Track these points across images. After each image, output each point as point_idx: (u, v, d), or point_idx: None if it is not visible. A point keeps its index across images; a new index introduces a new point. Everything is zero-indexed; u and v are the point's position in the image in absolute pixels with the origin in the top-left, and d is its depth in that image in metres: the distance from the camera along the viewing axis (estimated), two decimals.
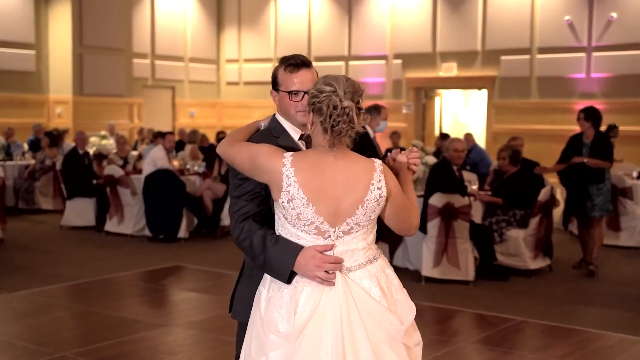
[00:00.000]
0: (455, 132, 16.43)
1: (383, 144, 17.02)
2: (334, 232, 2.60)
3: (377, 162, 2.66)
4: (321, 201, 2.58)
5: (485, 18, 16.49)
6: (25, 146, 14.04)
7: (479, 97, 18.49)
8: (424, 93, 18.18)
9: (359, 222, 2.62)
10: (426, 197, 7.66)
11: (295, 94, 2.84)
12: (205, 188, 10.10)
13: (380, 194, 2.62)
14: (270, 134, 2.90)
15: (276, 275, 2.63)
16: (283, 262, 2.60)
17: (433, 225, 7.51)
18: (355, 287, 2.58)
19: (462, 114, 19.71)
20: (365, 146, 7.02)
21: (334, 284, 2.55)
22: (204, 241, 9.75)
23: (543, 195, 7.99)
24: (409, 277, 7.74)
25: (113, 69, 17.30)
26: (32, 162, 12.35)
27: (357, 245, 2.63)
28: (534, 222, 7.96)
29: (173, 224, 9.51)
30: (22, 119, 15.95)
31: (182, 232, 9.63)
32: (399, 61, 17.67)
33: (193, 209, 9.77)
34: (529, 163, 8.42)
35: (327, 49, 18.63)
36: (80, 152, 10.82)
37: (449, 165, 7.64)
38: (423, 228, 7.62)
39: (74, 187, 10.51)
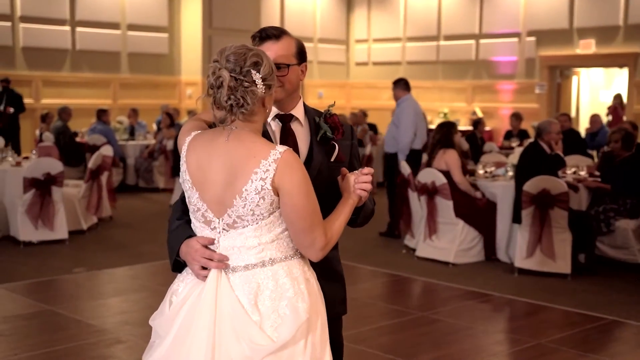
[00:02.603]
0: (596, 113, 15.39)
1: (504, 125, 16.27)
2: (219, 223, 2.35)
3: (276, 150, 2.28)
4: (204, 186, 2.35)
5: None
6: (154, 126, 14.56)
7: (624, 76, 17.23)
8: (559, 72, 17.17)
9: (241, 215, 2.31)
10: (518, 183, 7.17)
11: None
12: None
13: (262, 186, 2.27)
14: None
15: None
16: (172, 250, 2.48)
17: (527, 213, 7.01)
18: (227, 290, 2.31)
19: (604, 94, 18.46)
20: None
21: (203, 279, 2.34)
22: None
23: None
24: (501, 268, 7.29)
25: None
26: (154, 142, 12.78)
27: (244, 243, 2.33)
28: None
29: None
30: (154, 100, 16.56)
31: None
32: (532, 38, 16.77)
33: None
34: None
35: (457, 27, 18.01)
36: None
37: (540, 148, 7.11)
38: (517, 217, 7.15)
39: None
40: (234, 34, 17.27)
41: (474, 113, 17.23)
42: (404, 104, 8.78)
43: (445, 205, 7.52)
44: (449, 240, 7.57)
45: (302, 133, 2.65)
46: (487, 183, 7.82)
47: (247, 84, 2.28)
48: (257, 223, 2.31)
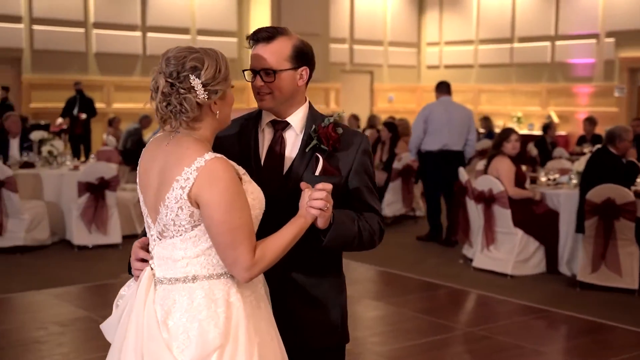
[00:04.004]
0: None
1: (581, 130, 15.60)
2: (154, 230, 2.22)
3: (202, 158, 2.10)
4: (145, 190, 2.24)
5: None
6: None
7: None
8: None
9: (167, 224, 2.16)
10: (582, 191, 6.75)
11: (250, 73, 2.42)
12: None
13: (181, 195, 2.11)
14: (247, 114, 2.54)
15: None
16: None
17: (591, 224, 6.59)
18: (150, 300, 2.17)
19: None
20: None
21: (136, 279, 2.25)
22: None
23: None
24: (562, 282, 6.88)
25: None
26: None
27: (172, 255, 2.18)
28: None
29: None
30: None
31: None
32: (611, 39, 16.06)
33: None
34: None
35: (532, 28, 17.45)
36: None
37: (611, 155, 6.68)
38: (581, 227, 6.73)
39: None
40: (303, 38, 17.16)
41: (549, 117, 16.62)
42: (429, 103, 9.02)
43: (503, 214, 7.16)
44: (507, 251, 7.20)
45: (294, 142, 2.44)
46: (549, 191, 7.42)
47: (182, 90, 2.13)
48: (180, 235, 2.16)
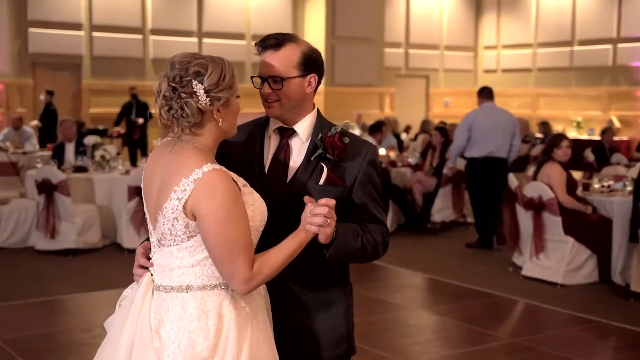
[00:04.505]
0: None
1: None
2: (154, 237, 2.22)
3: (200, 169, 2.09)
4: (147, 196, 2.24)
5: None
6: None
7: None
8: None
9: (164, 233, 2.15)
10: (635, 198, 6.53)
11: (258, 80, 2.40)
12: (415, 181, 9.68)
13: (177, 206, 2.09)
14: (255, 120, 2.54)
15: None
16: None
17: None
18: (146, 307, 2.16)
19: None
20: None
21: (136, 281, 2.27)
22: (410, 237, 9.33)
23: None
24: (615, 292, 6.67)
25: (364, 59, 17.42)
26: None
27: (169, 262, 2.17)
28: None
29: None
30: None
31: (387, 226, 9.28)
32: None
33: (400, 202, 9.40)
34: None
35: (593, 31, 17.06)
36: None
37: None
38: (634, 236, 6.52)
39: None
40: (357, 42, 17.18)
41: (610, 122, 16.20)
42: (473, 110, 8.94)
43: (554, 222, 6.98)
44: (557, 259, 7.01)
45: (299, 150, 2.41)
46: (602, 198, 7.20)
47: (184, 95, 2.11)
48: (177, 244, 2.15)
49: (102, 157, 8.89)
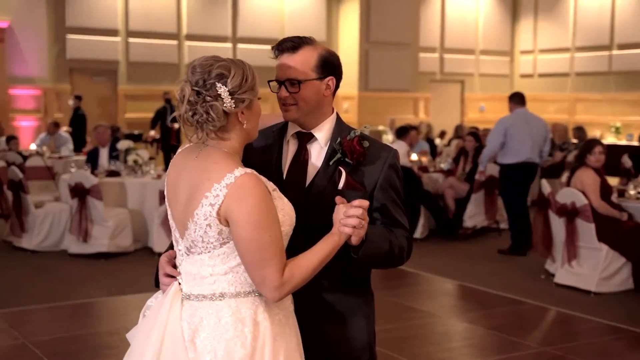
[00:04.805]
0: None
1: None
2: (181, 245, 2.17)
3: (232, 174, 2.04)
4: (172, 204, 2.19)
5: None
6: None
7: None
8: None
9: (195, 240, 2.10)
10: None
11: (276, 84, 2.37)
12: (447, 186, 9.58)
13: (210, 213, 2.05)
14: (274, 125, 2.50)
15: None
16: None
17: None
18: (176, 316, 2.11)
19: None
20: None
21: (163, 290, 2.20)
22: (442, 243, 9.24)
23: None
24: None
25: (398, 64, 17.35)
26: None
27: (199, 271, 2.12)
28: None
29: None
30: None
31: (418, 232, 9.23)
32: None
33: (431, 207, 9.32)
34: None
35: (632, 34, 16.80)
36: None
37: None
38: None
39: None
40: (392, 47, 17.12)
41: None
42: (509, 115, 8.77)
43: (587, 228, 6.85)
44: (591, 267, 6.88)
45: (318, 155, 2.37)
46: (638, 204, 7.05)
47: (209, 98, 2.07)
48: (209, 252, 2.10)
49: (135, 161, 8.96)
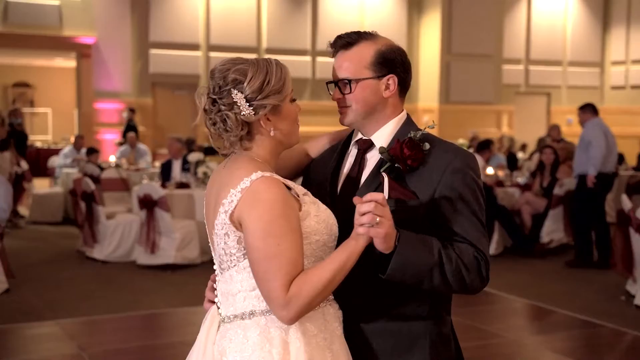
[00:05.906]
0: None
1: None
2: (216, 261, 2.01)
3: (249, 178, 1.85)
4: (206, 220, 2.04)
5: None
6: None
7: None
8: None
9: (221, 255, 1.93)
10: None
11: (332, 85, 2.14)
12: (523, 202, 9.19)
13: (224, 220, 1.87)
14: (346, 132, 2.27)
15: None
16: None
17: None
18: (211, 340, 1.96)
19: None
20: None
21: (205, 310, 2.08)
22: (516, 260, 8.85)
23: None
24: None
25: (481, 76, 16.94)
26: None
27: (230, 289, 1.94)
28: None
29: None
30: None
31: (492, 248, 8.87)
32: None
33: (506, 224, 8.95)
34: None
35: None
36: None
37: None
38: None
39: None
40: (474, 59, 16.75)
41: None
42: (590, 124, 8.51)
43: None
44: None
45: (375, 164, 2.09)
46: None
47: (223, 107, 1.89)
48: (235, 265, 1.92)
49: (205, 173, 8.99)
